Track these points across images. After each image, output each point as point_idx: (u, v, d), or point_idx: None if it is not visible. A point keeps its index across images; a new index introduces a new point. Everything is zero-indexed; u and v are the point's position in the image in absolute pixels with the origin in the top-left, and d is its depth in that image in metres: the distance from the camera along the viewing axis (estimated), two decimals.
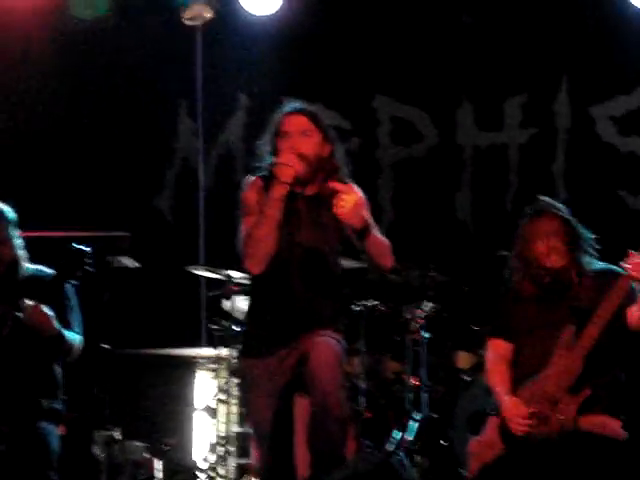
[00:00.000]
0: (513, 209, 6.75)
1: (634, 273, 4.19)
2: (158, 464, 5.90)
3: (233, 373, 5.71)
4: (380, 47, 7.03)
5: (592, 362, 4.23)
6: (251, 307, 4.37)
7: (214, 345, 5.93)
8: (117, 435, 5.74)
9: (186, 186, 7.27)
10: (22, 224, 4.93)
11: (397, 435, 5.84)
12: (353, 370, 5.87)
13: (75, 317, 4.94)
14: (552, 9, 6.84)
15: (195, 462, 5.99)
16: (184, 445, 6.09)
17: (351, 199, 4.02)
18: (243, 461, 5.73)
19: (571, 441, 4.14)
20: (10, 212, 4.94)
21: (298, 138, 4.20)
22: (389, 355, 6.21)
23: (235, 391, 5.77)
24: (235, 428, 5.82)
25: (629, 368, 4.45)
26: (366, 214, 4.11)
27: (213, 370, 5.98)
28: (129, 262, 6.02)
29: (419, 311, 6.03)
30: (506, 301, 4.53)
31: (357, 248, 4.19)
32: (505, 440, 4.30)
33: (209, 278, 6.15)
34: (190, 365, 6.12)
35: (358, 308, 5.98)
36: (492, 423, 4.39)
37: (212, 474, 5.81)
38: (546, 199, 4.53)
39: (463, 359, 6.17)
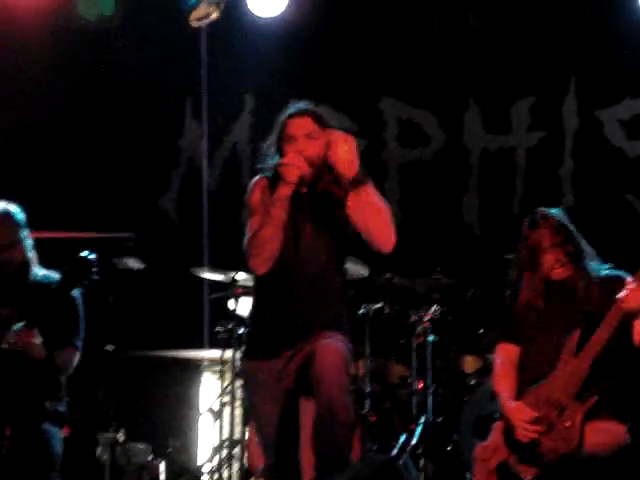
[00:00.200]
0: (520, 213, 6.72)
1: (625, 304, 4.17)
2: (162, 466, 5.88)
3: (237, 375, 5.69)
4: (387, 49, 7.00)
5: (599, 368, 4.21)
6: (254, 308, 4.34)
7: (218, 347, 5.91)
8: (121, 437, 5.73)
9: (191, 187, 7.26)
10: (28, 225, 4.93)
11: (402, 439, 5.82)
12: (358, 373, 5.85)
13: (79, 327, 4.92)
14: (560, 12, 6.81)
15: (199, 465, 5.98)
16: (188, 447, 6.07)
17: (345, 146, 4.03)
18: (247, 464, 5.70)
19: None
20: (20, 213, 4.93)
21: (303, 140, 4.18)
22: (394, 358, 6.19)
23: (240, 393, 5.75)
24: (239, 430, 5.80)
25: (636, 373, 4.43)
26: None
27: (217, 372, 5.96)
28: (134, 263, 6.00)
29: (425, 314, 6.00)
30: (513, 305, 4.51)
31: (356, 228, 4.13)
32: (510, 445, 4.28)
33: (213, 279, 6.14)
34: (194, 367, 6.11)
35: (363, 311, 5.96)
36: (498, 428, 4.37)
37: (216, 477, 5.79)
38: (542, 210, 4.48)
39: (469, 363, 6.15)
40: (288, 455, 4.20)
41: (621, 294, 4.19)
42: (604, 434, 4.21)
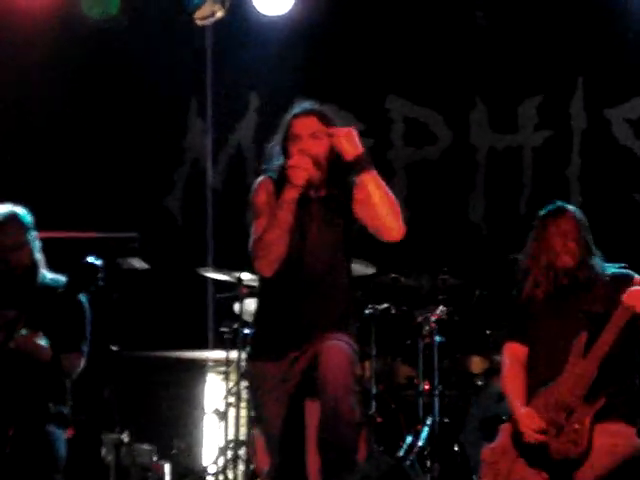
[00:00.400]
0: (527, 212, 6.70)
1: (630, 301, 4.15)
2: (167, 467, 5.86)
3: (243, 376, 5.67)
4: (393, 48, 6.98)
5: (607, 369, 4.18)
6: (259, 309, 4.32)
7: (223, 347, 5.89)
8: (125, 438, 5.71)
9: (196, 186, 7.24)
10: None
11: (408, 440, 5.79)
12: (364, 374, 5.83)
13: (85, 331, 4.91)
14: (567, 11, 6.78)
15: (204, 466, 5.95)
16: (193, 448, 6.05)
17: (347, 133, 4.05)
18: (252, 465, 5.68)
19: None
20: (27, 216, 4.92)
21: (308, 140, 4.15)
22: (401, 359, 6.16)
23: (245, 394, 5.72)
24: (245, 432, 5.77)
25: None
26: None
27: (223, 373, 5.94)
28: (138, 263, 5.98)
29: (431, 315, 5.98)
30: (520, 304, 4.48)
31: (365, 222, 4.12)
32: (518, 448, 4.25)
33: (218, 280, 6.12)
34: (199, 368, 6.09)
35: (370, 311, 5.94)
36: (505, 430, 4.34)
37: (221, 478, 5.77)
38: (558, 202, 4.51)
39: (475, 364, 6.12)
40: (294, 457, 4.18)
41: (627, 292, 4.17)
42: (613, 436, 4.17)
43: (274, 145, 4.26)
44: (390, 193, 4.12)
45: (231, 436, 5.80)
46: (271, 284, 4.18)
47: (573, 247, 4.35)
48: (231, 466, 5.75)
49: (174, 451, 5.89)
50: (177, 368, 6.16)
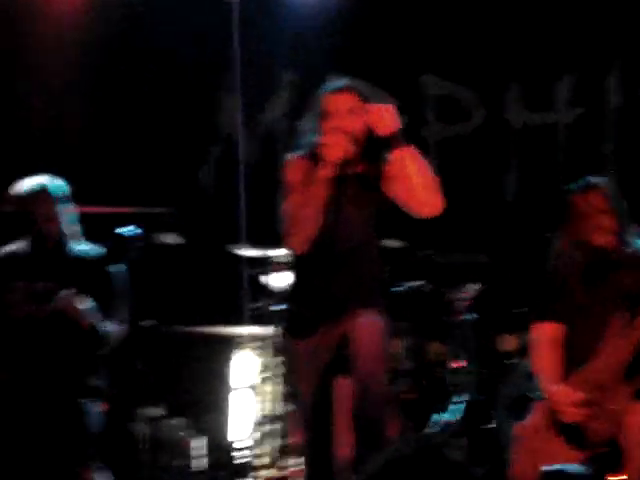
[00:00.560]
0: (561, 190, 6.65)
1: None
2: (200, 442, 5.90)
3: (278, 351, 5.69)
4: (428, 24, 6.94)
5: None
6: (293, 285, 4.34)
7: (258, 323, 5.91)
8: (159, 412, 5.75)
9: (229, 162, 7.25)
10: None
11: (441, 417, 5.80)
12: (396, 351, 5.84)
13: (119, 302, 4.94)
14: None
15: (239, 440, 5.98)
16: (227, 423, 6.08)
17: (384, 108, 4.06)
18: (287, 440, 5.71)
19: None
20: (58, 188, 4.95)
21: (344, 117, 4.15)
22: (433, 336, 6.16)
23: (280, 369, 5.75)
24: (279, 407, 5.80)
25: None
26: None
27: (258, 348, 5.96)
28: (173, 238, 6.01)
29: (465, 292, 5.98)
30: (552, 283, 4.45)
31: (398, 199, 4.11)
32: (554, 428, 4.22)
33: (251, 256, 6.13)
34: (234, 343, 6.11)
35: (403, 288, 5.94)
36: (538, 409, 4.33)
37: (256, 452, 5.80)
38: (592, 177, 4.46)
39: (507, 342, 6.11)
40: (324, 433, 4.20)
41: None
42: None
43: (306, 122, 4.26)
44: (428, 168, 4.12)
45: (266, 411, 5.83)
46: (303, 261, 4.20)
47: (605, 223, 4.30)
48: (264, 441, 5.78)
49: (208, 426, 5.92)
50: (211, 343, 6.19)
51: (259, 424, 5.84)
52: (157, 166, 7.06)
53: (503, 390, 5.77)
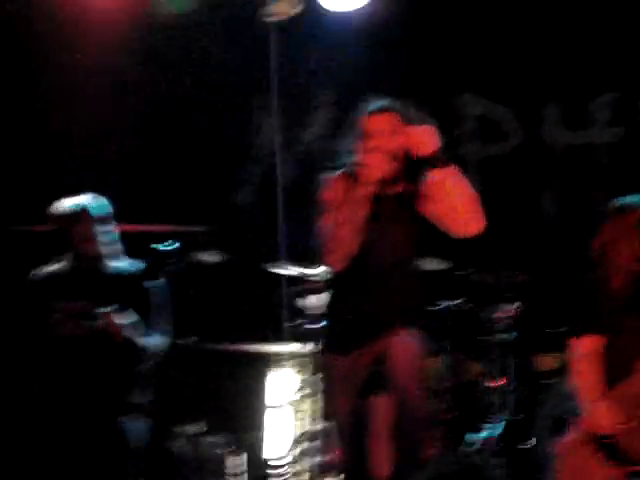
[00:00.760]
0: (601, 210, 6.64)
1: None
2: (239, 459, 5.91)
3: (317, 369, 5.70)
4: (467, 43, 6.96)
5: None
6: (332, 302, 4.37)
7: (297, 340, 5.93)
8: (200, 429, 5.77)
9: (267, 182, 7.29)
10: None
11: (479, 436, 5.79)
12: (435, 370, 5.83)
13: (159, 317, 4.97)
14: None
15: (278, 457, 5.99)
16: (266, 440, 6.09)
17: (425, 130, 4.08)
18: (324, 458, 5.71)
19: None
20: (99, 207, 5.00)
21: (384, 137, 4.18)
22: (473, 355, 6.15)
23: (318, 387, 5.76)
24: (317, 424, 5.81)
25: None
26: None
27: (296, 366, 5.97)
28: (212, 257, 6.04)
29: (505, 311, 5.97)
30: (592, 299, 4.44)
31: (437, 218, 4.12)
32: (595, 444, 4.21)
33: (290, 274, 6.15)
34: (273, 361, 6.12)
35: (443, 307, 5.94)
36: (578, 425, 4.31)
37: (293, 470, 5.81)
38: (628, 200, 4.44)
39: (546, 361, 6.09)
40: (364, 449, 4.21)
41: None
42: None
43: (345, 142, 4.29)
44: (469, 188, 4.14)
45: (304, 429, 5.84)
46: (341, 278, 4.22)
47: None
48: (303, 459, 5.79)
49: (247, 443, 5.93)
50: (250, 361, 6.21)
51: (297, 442, 5.84)
52: (198, 185, 7.11)
53: (542, 410, 5.75)
